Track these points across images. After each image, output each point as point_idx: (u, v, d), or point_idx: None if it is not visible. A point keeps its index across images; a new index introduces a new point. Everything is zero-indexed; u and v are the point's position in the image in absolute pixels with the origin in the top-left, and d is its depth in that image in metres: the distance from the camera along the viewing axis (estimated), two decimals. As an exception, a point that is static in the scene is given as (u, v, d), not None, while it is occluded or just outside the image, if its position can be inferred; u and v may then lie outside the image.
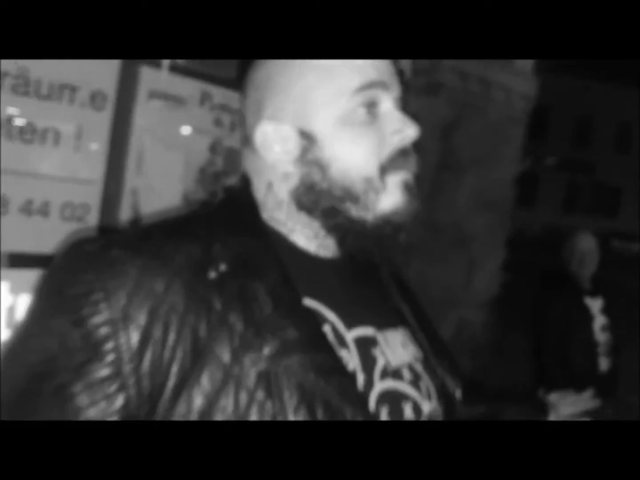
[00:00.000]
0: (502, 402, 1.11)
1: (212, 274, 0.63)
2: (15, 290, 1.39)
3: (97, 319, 0.58)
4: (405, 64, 2.15)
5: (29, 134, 1.40)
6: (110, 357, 0.58)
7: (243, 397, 0.59)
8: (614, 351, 2.69)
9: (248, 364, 0.60)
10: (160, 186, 1.66)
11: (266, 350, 0.61)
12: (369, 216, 0.72)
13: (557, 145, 28.30)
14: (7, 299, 1.38)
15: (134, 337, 0.59)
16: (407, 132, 0.73)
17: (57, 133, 1.44)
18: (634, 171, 25.89)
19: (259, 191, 0.75)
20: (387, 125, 0.73)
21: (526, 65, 2.77)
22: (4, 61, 1.32)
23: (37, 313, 0.64)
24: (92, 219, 1.53)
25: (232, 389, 0.59)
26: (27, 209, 1.41)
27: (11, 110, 1.37)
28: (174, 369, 0.59)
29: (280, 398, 0.60)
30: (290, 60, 0.72)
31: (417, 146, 2.19)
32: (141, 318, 0.59)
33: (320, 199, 0.71)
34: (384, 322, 0.76)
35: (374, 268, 0.83)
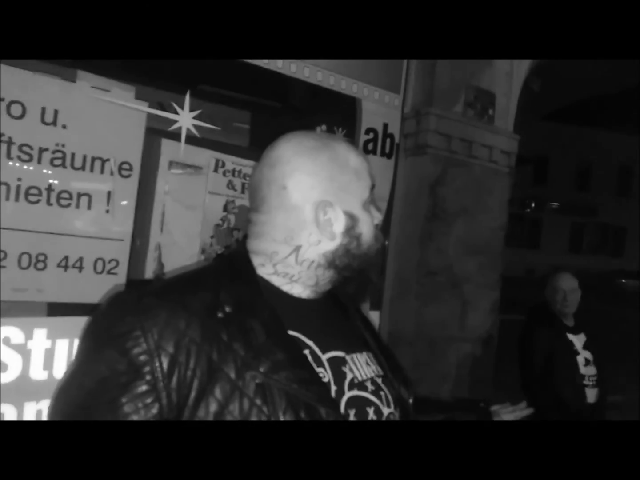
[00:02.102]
0: (454, 411, 1.23)
1: (220, 314, 0.78)
2: (52, 336, 1.47)
3: (138, 350, 0.73)
4: (395, 128, 2.30)
5: (66, 199, 1.50)
6: (147, 377, 0.72)
7: (246, 403, 0.74)
8: (599, 383, 2.67)
9: (248, 378, 0.75)
10: (181, 241, 1.75)
11: (262, 368, 0.76)
12: (367, 272, 0.92)
13: (559, 190, 28.11)
14: (45, 343, 1.46)
15: (165, 362, 0.73)
16: (380, 217, 0.95)
17: (90, 198, 1.54)
18: (636, 212, 25.42)
19: (279, 252, 0.88)
20: (372, 212, 0.94)
21: (507, 124, 2.90)
22: (42, 137, 1.45)
23: (89, 347, 0.78)
24: (122, 272, 1.61)
25: (237, 397, 0.74)
26: (63, 264, 1.51)
27: (50, 179, 1.48)
28: (195, 384, 0.73)
29: (273, 403, 0.75)
30: (337, 158, 0.89)
31: (408, 199, 2.28)
32: (170, 348, 0.74)
33: (352, 260, 0.89)
34: (352, 347, 0.92)
35: (343, 306, 1.00)
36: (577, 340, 2.74)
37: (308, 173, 0.87)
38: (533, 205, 27.98)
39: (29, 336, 1.44)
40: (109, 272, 1.59)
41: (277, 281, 0.89)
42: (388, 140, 2.31)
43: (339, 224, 0.87)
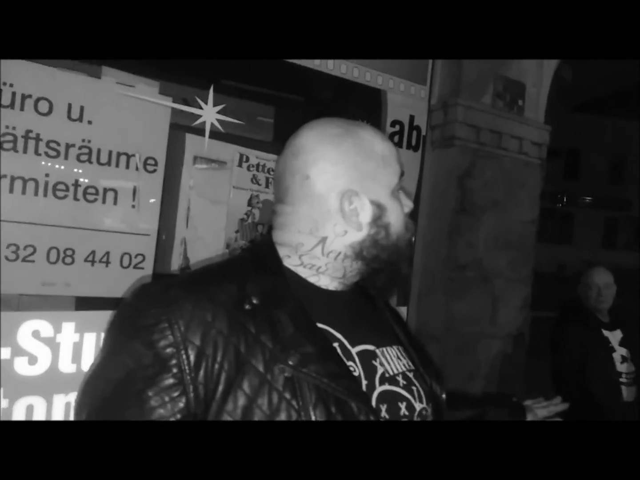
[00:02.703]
0: (485, 406, 1.19)
1: (247, 306, 0.77)
2: (80, 330, 1.49)
3: (164, 342, 0.72)
4: (421, 120, 2.27)
5: (92, 195, 1.52)
6: (174, 370, 0.71)
7: (275, 397, 0.72)
8: (637, 381, 2.60)
9: (277, 372, 0.73)
10: (206, 236, 1.76)
11: (290, 362, 0.74)
12: (397, 263, 0.90)
13: (592, 184, 27.50)
14: (73, 336, 1.48)
15: (192, 355, 0.72)
16: (411, 205, 0.92)
17: (116, 193, 1.56)
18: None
19: (305, 244, 0.86)
20: (402, 200, 0.91)
21: (537, 114, 2.83)
22: (69, 133, 1.47)
23: (115, 340, 0.77)
24: (148, 267, 1.63)
25: (266, 390, 0.72)
26: (91, 259, 1.53)
27: (77, 175, 1.50)
28: (222, 377, 0.72)
29: (303, 397, 0.73)
30: (362, 145, 0.86)
31: (435, 192, 2.25)
32: (197, 341, 0.72)
33: (381, 250, 0.87)
34: (382, 341, 0.89)
35: (372, 299, 0.98)
36: (613, 337, 2.68)
37: (332, 161, 0.84)
38: (565, 199, 27.43)
39: (57, 329, 1.47)
40: (135, 267, 1.61)
41: (304, 273, 0.87)
42: (414, 132, 2.28)
43: (366, 214, 0.85)
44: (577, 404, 2.46)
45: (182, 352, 0.71)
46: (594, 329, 2.66)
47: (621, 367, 2.61)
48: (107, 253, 1.56)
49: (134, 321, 0.75)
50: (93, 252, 1.54)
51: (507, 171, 2.72)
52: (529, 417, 1.23)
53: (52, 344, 1.46)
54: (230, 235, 1.82)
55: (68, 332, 1.48)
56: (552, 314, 2.94)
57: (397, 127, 2.22)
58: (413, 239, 0.95)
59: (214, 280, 0.80)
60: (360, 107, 2.12)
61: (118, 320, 0.79)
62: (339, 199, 0.84)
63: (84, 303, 1.52)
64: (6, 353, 1.41)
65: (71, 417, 1.44)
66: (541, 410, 1.25)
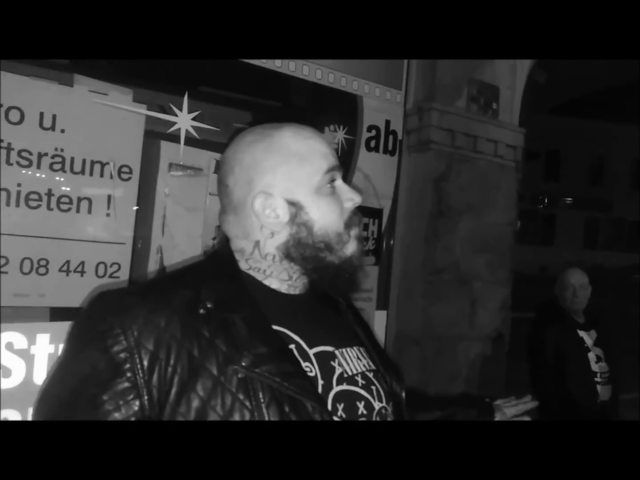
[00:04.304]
0: (454, 407, 1.22)
1: (201, 310, 0.79)
2: (55, 341, 1.48)
3: (118, 347, 0.74)
4: (397, 125, 2.30)
5: (66, 204, 1.52)
6: (128, 374, 0.73)
7: (228, 398, 0.75)
8: (611, 381, 2.65)
9: (230, 373, 0.76)
10: (182, 243, 1.75)
11: (244, 362, 0.76)
12: (336, 260, 0.89)
13: (572, 185, 27.85)
14: (48, 348, 1.48)
15: (145, 359, 0.74)
16: (355, 199, 0.92)
17: (90, 202, 1.56)
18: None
19: (245, 249, 0.89)
20: (342, 195, 0.91)
21: (511, 117, 2.89)
22: (41, 142, 1.46)
23: (71, 347, 0.79)
24: (124, 275, 1.63)
25: (220, 392, 0.75)
26: (65, 268, 1.52)
27: (50, 184, 1.50)
28: (175, 380, 0.74)
29: (256, 397, 0.75)
30: (273, 147, 0.87)
31: (412, 196, 2.28)
32: (150, 345, 0.75)
33: (305, 249, 0.87)
34: (342, 342, 0.91)
35: (333, 301, 1.00)
36: (588, 337, 2.73)
37: (245, 168, 0.87)
38: (545, 201, 27.78)
39: (32, 341, 1.46)
40: (110, 276, 1.61)
41: (256, 276, 0.90)
42: (391, 137, 2.32)
43: (283, 214, 0.87)
44: (554, 404, 2.53)
45: (136, 356, 0.74)
46: (570, 330, 2.71)
47: (596, 367, 2.67)
48: (82, 262, 1.56)
49: (89, 328, 0.78)
50: (67, 262, 1.53)
51: (482, 174, 2.78)
52: (497, 417, 1.25)
53: (27, 356, 1.45)
54: (207, 243, 1.81)
55: (43, 343, 1.47)
56: (533, 317, 2.99)
57: (374, 132, 2.26)
58: (363, 231, 0.94)
59: (170, 286, 0.83)
60: (337, 112, 2.15)
61: (74, 329, 0.81)
62: (254, 202, 0.86)
63: (59, 314, 1.51)
64: (-21, 366, 1.41)
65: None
66: (510, 409, 1.27)
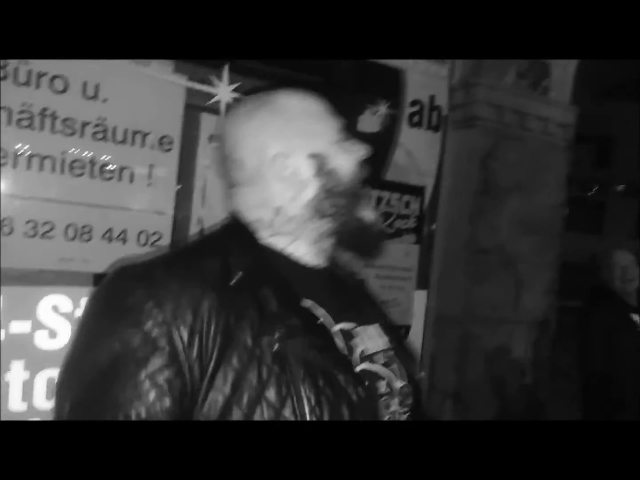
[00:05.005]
0: None
1: (232, 280, 0.77)
2: None
3: (152, 322, 0.70)
4: (442, 100, 2.25)
5: (108, 172, 1.56)
6: (168, 349, 0.70)
7: (264, 372, 0.73)
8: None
9: (265, 345, 0.73)
10: (222, 215, 1.80)
11: (277, 334, 0.74)
12: (365, 218, 0.88)
13: (624, 172, 26.73)
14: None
15: (185, 333, 0.71)
16: (362, 149, 0.92)
17: (131, 172, 1.59)
18: None
19: (263, 218, 0.86)
20: (351, 147, 0.91)
21: (563, 95, 2.78)
22: (84, 111, 1.50)
23: (97, 321, 0.75)
24: (165, 245, 1.66)
25: (255, 365, 0.72)
26: (108, 236, 1.57)
27: (92, 153, 1.53)
28: (215, 352, 0.71)
29: (291, 371, 0.73)
30: (278, 109, 0.86)
31: (457, 174, 2.22)
32: (188, 317, 0.71)
33: (337, 199, 0.86)
34: (363, 318, 0.89)
35: (352, 276, 0.98)
36: (642, 319, 2.63)
37: (254, 135, 0.85)
38: (595, 188, 26.78)
39: (76, 305, 1.52)
40: (152, 245, 1.65)
41: (280, 244, 0.87)
42: (435, 112, 2.27)
43: (306, 169, 0.85)
44: (601, 391, 2.45)
45: (175, 330, 0.70)
46: (622, 313, 2.62)
47: None
48: (124, 230, 1.60)
49: (118, 303, 0.73)
50: (110, 230, 1.57)
51: (531, 153, 2.68)
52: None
53: (72, 319, 1.51)
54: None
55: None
56: (582, 304, 2.90)
57: (417, 107, 2.22)
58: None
59: (196, 257, 0.80)
60: (380, 87, 2.12)
61: (100, 301, 0.77)
62: (272, 166, 0.84)
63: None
64: (27, 327, 1.46)
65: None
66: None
